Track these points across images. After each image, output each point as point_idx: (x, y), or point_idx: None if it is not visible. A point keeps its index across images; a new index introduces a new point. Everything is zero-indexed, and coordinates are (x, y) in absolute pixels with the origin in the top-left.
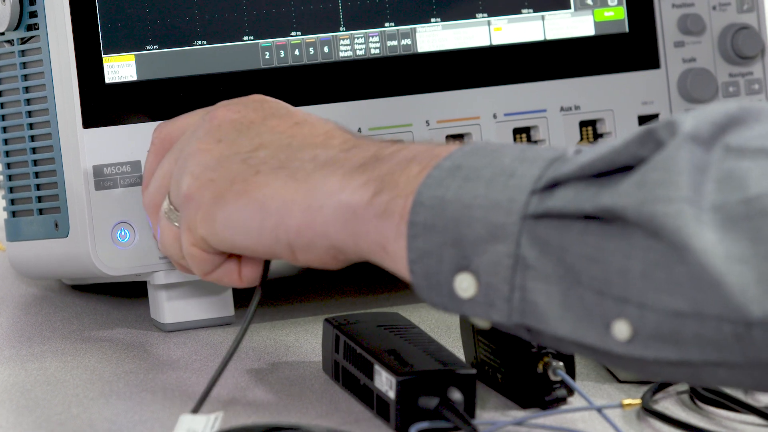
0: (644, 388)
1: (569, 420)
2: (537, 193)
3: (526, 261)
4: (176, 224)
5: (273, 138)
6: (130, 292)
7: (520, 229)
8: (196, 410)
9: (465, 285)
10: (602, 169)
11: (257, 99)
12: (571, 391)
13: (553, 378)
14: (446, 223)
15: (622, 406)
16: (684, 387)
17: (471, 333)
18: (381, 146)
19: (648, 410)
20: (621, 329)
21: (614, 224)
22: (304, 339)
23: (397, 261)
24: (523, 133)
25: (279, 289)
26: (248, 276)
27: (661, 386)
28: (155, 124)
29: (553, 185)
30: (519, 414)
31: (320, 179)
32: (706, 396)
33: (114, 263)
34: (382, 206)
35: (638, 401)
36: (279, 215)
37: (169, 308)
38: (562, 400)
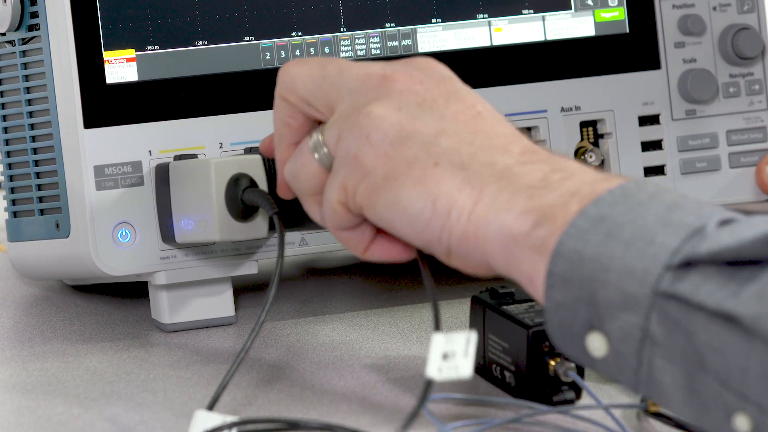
0: None
1: (577, 418)
2: (671, 269)
3: (654, 337)
4: (317, 160)
5: (456, 128)
6: (131, 293)
7: (651, 303)
8: (211, 407)
9: (597, 344)
10: (734, 259)
11: (436, 70)
12: (579, 394)
13: (564, 379)
14: (582, 280)
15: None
16: None
17: (482, 330)
18: (553, 166)
19: (648, 410)
20: (742, 422)
21: (736, 324)
22: (305, 339)
23: (540, 296)
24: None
25: (280, 291)
26: (376, 254)
27: None
28: (156, 124)
29: (688, 263)
30: (526, 411)
31: (492, 193)
32: None
33: (115, 263)
34: (539, 240)
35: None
36: (447, 217)
37: (170, 309)
38: (570, 402)
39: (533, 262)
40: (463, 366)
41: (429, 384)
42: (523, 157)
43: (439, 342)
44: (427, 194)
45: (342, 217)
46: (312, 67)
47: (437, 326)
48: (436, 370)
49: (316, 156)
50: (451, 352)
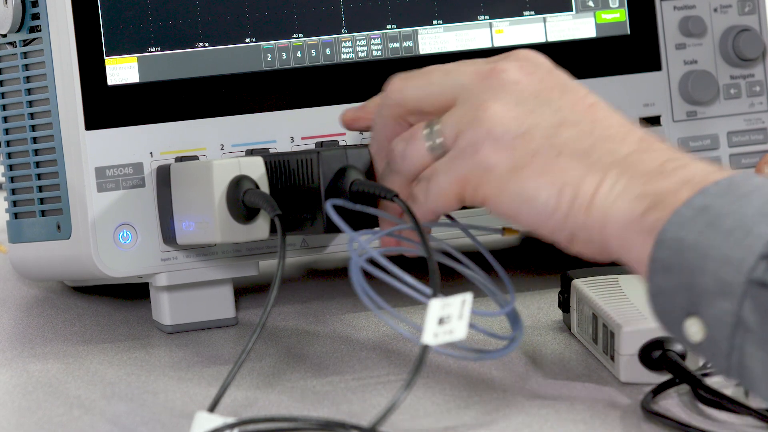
0: (645, 389)
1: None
2: (766, 258)
3: (746, 324)
4: (428, 148)
5: (575, 118)
6: (132, 294)
7: (744, 291)
8: (212, 409)
9: (694, 329)
10: None
11: (541, 61)
12: None
13: None
14: (682, 267)
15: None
16: (684, 388)
17: None
18: (670, 156)
19: (648, 411)
20: None
21: None
22: (306, 341)
23: (645, 280)
24: None
25: (281, 292)
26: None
27: (662, 387)
28: (157, 126)
29: None
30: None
31: (613, 178)
32: (706, 397)
33: (116, 265)
34: (648, 225)
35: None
36: (571, 205)
37: (171, 310)
38: None
39: (643, 246)
40: (458, 329)
41: (425, 350)
42: (641, 144)
43: (435, 307)
44: (551, 184)
45: (450, 206)
46: (417, 77)
47: (435, 293)
48: (432, 335)
49: (428, 144)
50: (447, 316)
